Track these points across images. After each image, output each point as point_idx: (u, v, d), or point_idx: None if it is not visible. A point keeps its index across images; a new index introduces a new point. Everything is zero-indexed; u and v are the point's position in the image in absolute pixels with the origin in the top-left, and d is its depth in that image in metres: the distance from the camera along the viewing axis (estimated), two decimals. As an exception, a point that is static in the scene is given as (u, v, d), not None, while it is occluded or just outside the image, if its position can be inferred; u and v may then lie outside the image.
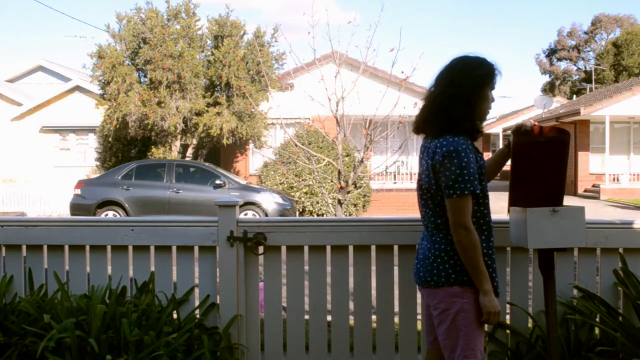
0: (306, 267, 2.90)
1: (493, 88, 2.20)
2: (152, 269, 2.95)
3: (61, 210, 15.05)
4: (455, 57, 2.20)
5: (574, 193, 20.43)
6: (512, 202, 2.44)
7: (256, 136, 15.62)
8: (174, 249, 2.94)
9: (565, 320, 2.69)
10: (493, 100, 2.21)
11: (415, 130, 2.28)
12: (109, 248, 2.96)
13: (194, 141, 15.54)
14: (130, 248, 2.95)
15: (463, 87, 2.12)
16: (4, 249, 3.00)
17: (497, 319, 2.08)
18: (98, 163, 17.44)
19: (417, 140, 2.61)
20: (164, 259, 2.94)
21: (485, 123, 2.61)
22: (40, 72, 24.45)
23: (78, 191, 11.76)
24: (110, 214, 11.36)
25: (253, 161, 18.30)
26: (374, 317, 2.96)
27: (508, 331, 2.79)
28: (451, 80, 2.14)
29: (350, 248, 2.88)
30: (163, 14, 14.77)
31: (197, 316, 2.88)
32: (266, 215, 11.26)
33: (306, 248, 2.89)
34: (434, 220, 2.16)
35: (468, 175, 2.02)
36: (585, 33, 46.64)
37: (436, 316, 2.17)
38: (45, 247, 2.99)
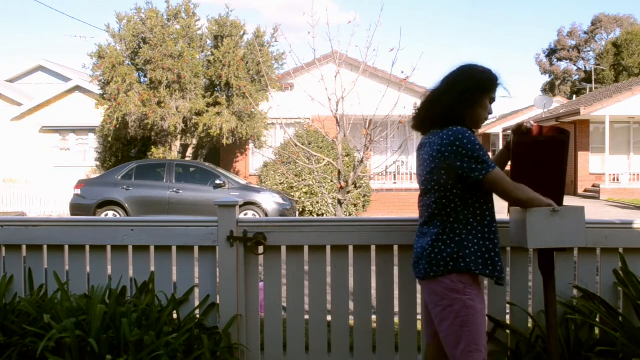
0: (306, 267, 2.90)
1: (493, 99, 2.26)
2: (152, 269, 2.95)
3: (61, 210, 15.05)
4: (463, 63, 2.28)
5: (574, 193, 20.44)
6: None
7: (256, 136, 15.63)
8: (174, 249, 2.94)
9: (565, 320, 2.69)
10: (490, 112, 2.28)
11: (416, 126, 2.36)
12: (109, 248, 2.96)
13: (194, 141, 15.54)
14: (130, 248, 2.95)
15: (464, 87, 2.19)
16: (4, 249, 3.01)
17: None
18: (98, 163, 17.45)
19: (417, 140, 2.63)
20: (164, 259, 2.94)
21: (485, 123, 2.63)
22: (40, 72, 24.49)
23: (78, 191, 11.75)
24: (110, 214, 11.36)
25: (253, 161, 18.31)
26: (374, 317, 2.96)
27: (508, 331, 2.79)
28: (455, 81, 2.22)
29: (350, 248, 2.88)
30: (163, 14, 14.77)
31: (197, 316, 2.88)
32: (266, 215, 11.25)
33: (306, 248, 2.89)
34: (432, 212, 2.19)
35: (485, 154, 2.09)
36: (585, 33, 46.63)
37: (437, 314, 2.17)
38: (45, 247, 2.99)
